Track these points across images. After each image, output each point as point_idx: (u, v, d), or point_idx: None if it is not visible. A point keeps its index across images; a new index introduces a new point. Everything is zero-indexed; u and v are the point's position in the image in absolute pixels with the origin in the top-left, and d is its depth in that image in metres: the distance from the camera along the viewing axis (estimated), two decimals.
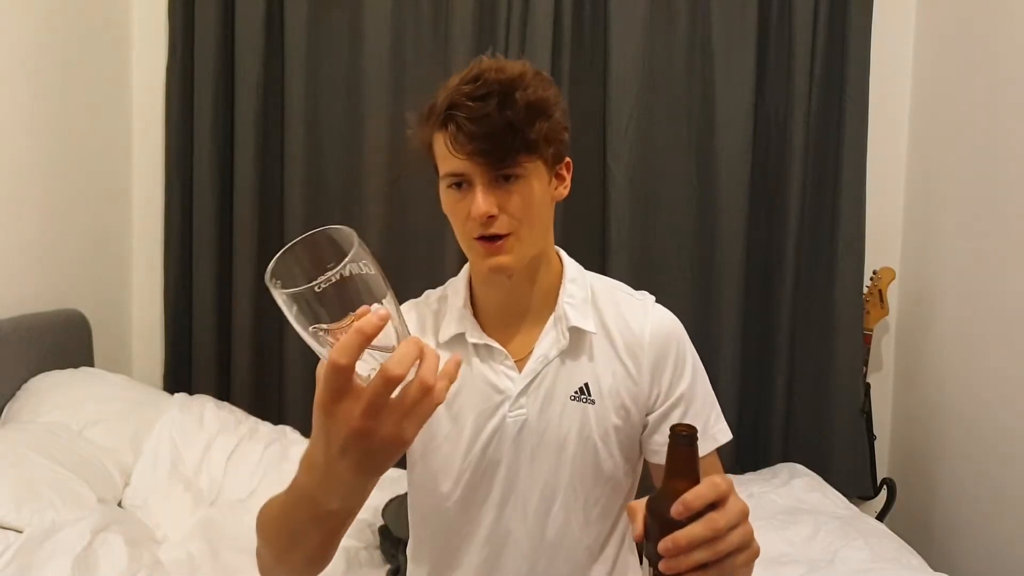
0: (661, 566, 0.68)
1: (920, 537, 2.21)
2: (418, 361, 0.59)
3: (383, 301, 0.59)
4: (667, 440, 1.01)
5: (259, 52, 2.45)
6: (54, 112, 2.17)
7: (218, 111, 2.48)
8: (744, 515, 0.70)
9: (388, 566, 1.76)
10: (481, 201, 0.90)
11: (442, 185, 0.96)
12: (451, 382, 0.62)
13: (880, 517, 2.42)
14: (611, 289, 1.07)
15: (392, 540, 1.77)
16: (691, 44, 2.49)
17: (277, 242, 2.52)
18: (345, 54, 2.49)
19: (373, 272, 0.58)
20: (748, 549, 0.69)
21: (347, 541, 1.73)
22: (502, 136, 0.89)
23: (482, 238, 0.93)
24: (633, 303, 1.05)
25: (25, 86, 2.05)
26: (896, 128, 2.60)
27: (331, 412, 0.59)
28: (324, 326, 0.57)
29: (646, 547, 0.71)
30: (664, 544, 0.67)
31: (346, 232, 0.59)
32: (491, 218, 0.91)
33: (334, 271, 0.56)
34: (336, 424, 0.59)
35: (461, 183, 0.93)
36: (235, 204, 2.50)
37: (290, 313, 0.57)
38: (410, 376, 0.59)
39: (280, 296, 0.56)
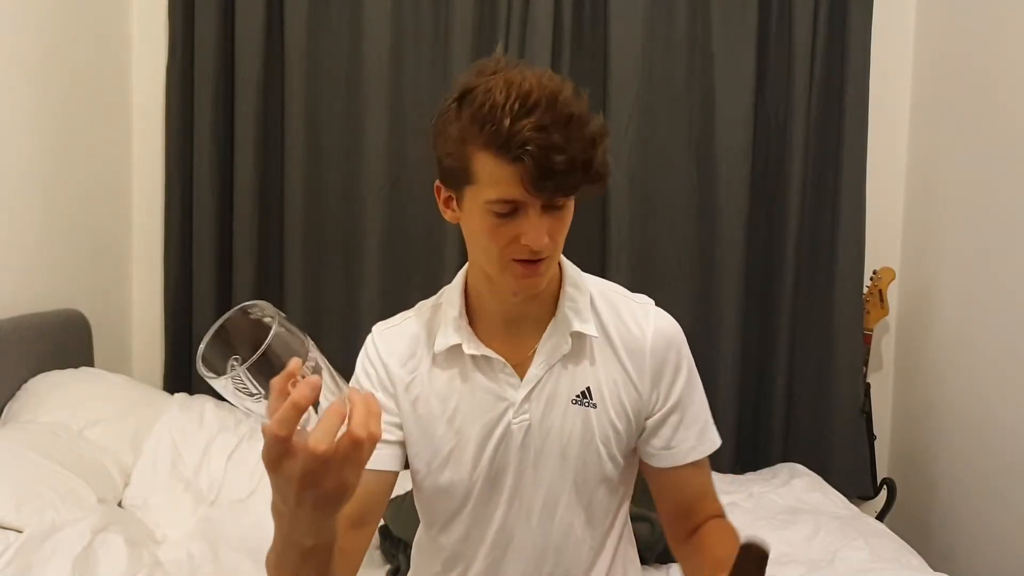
0: None
1: (920, 537, 2.21)
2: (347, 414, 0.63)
3: (309, 356, 0.63)
4: (664, 445, 1.02)
5: (259, 52, 2.45)
6: (54, 112, 2.17)
7: (218, 111, 2.47)
8: None
9: (388, 566, 1.76)
10: (542, 232, 0.89)
11: (480, 205, 0.91)
12: (378, 417, 0.65)
13: (880, 517, 2.42)
14: (609, 292, 1.07)
15: (392, 540, 1.76)
16: (691, 44, 2.49)
17: (277, 242, 2.53)
18: (345, 54, 2.49)
19: (295, 334, 0.62)
20: None
21: None
22: (576, 171, 0.87)
23: (522, 260, 0.92)
24: (633, 306, 1.05)
25: (25, 86, 2.05)
26: (896, 128, 2.60)
27: (277, 471, 0.63)
28: (257, 397, 0.61)
29: None
30: None
31: (261, 305, 0.63)
32: None
33: (260, 348, 0.59)
34: (283, 481, 0.64)
35: (512, 210, 0.90)
36: (235, 204, 2.50)
37: (227, 393, 0.61)
38: (343, 430, 0.63)
39: (217, 383, 0.60)
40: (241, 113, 2.47)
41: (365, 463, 0.66)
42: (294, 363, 0.61)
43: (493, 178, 0.88)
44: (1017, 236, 2.03)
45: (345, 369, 1.07)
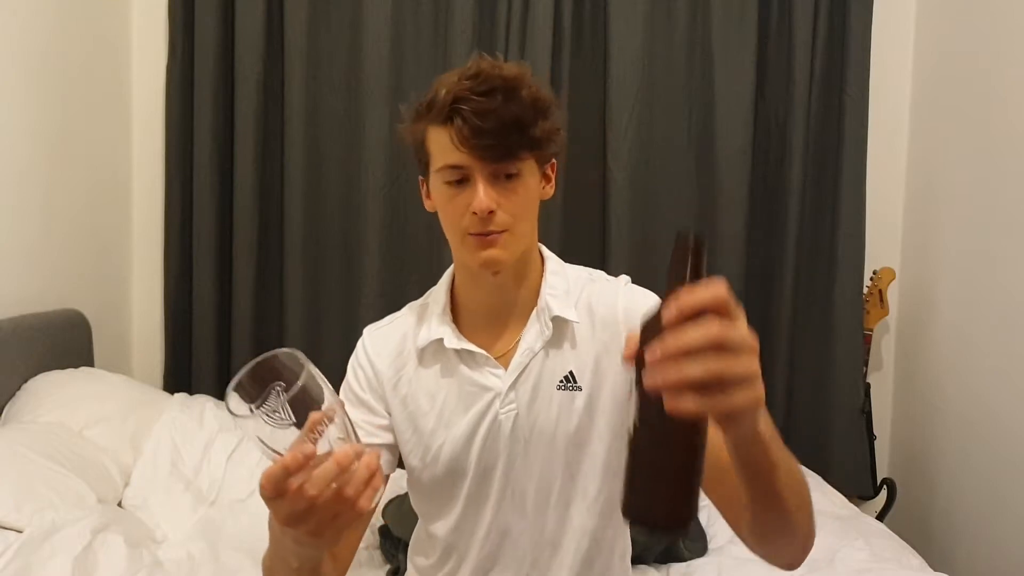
0: (645, 380, 0.55)
1: (920, 537, 2.21)
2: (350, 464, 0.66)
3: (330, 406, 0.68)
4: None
5: (259, 52, 2.45)
6: (54, 112, 2.17)
7: (218, 111, 2.47)
8: (751, 345, 0.56)
9: (388, 566, 1.76)
10: (483, 196, 0.91)
11: (436, 179, 0.97)
12: (375, 491, 0.68)
13: (880, 517, 2.42)
14: (589, 277, 1.08)
15: (392, 540, 1.77)
16: (691, 44, 2.49)
17: (277, 242, 2.53)
18: (345, 54, 2.49)
19: (322, 385, 0.68)
20: (751, 387, 0.56)
21: None
22: (508, 132, 0.90)
23: (476, 233, 0.94)
24: (607, 286, 1.06)
25: (25, 87, 2.05)
26: (896, 127, 2.60)
27: (268, 505, 0.69)
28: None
29: (635, 372, 0.58)
30: (651, 352, 0.54)
31: (292, 351, 0.68)
32: (490, 214, 0.92)
33: (294, 387, 0.65)
34: (273, 512, 0.69)
35: (461, 178, 0.94)
36: (235, 204, 2.50)
37: (253, 423, 0.66)
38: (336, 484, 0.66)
39: (248, 420, 0.65)
40: (241, 113, 2.47)
41: (344, 527, 0.69)
42: (330, 408, 0.67)
43: (439, 147, 0.94)
44: (1017, 236, 2.03)
45: (342, 369, 1.08)
